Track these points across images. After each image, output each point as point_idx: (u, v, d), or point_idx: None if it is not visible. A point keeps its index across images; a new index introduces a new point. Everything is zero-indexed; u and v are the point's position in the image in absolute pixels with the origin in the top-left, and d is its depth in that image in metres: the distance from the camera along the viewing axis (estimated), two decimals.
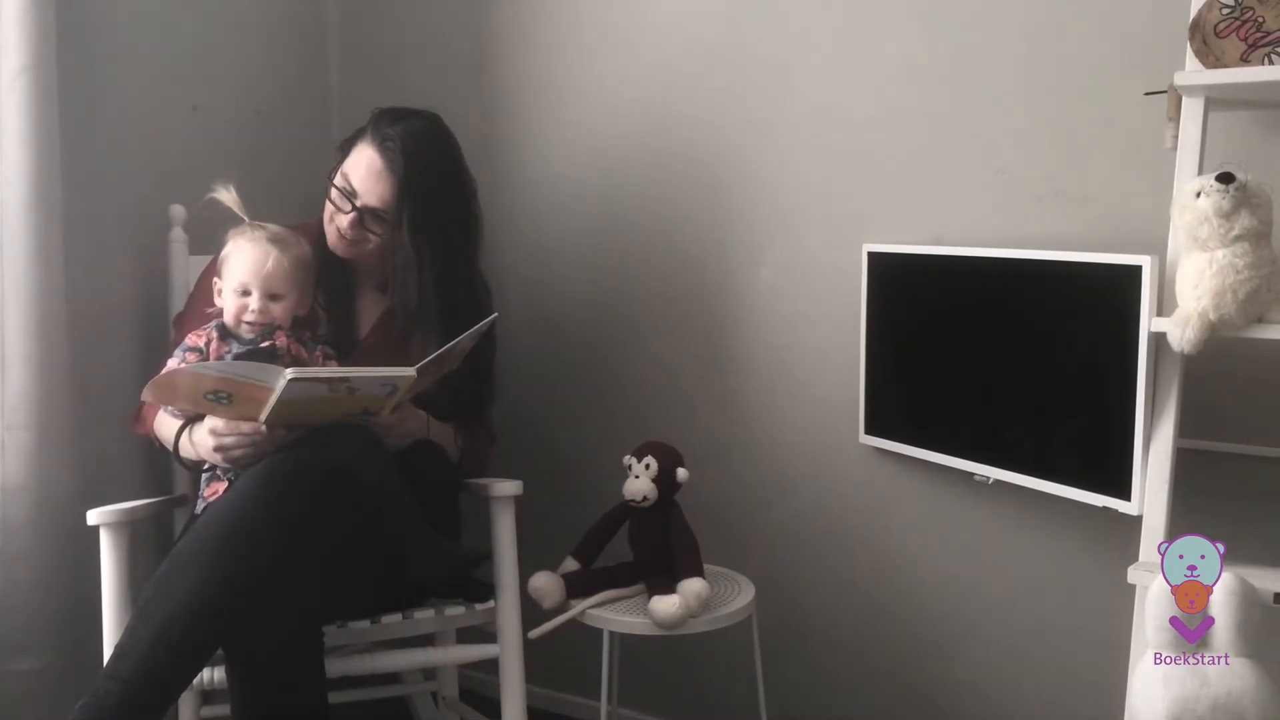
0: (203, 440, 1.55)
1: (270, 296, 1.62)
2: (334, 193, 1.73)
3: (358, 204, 1.71)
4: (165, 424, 1.65)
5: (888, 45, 1.79)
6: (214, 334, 1.62)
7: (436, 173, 1.72)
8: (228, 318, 1.63)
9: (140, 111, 1.92)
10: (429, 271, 1.70)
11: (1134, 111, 1.55)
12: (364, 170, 1.71)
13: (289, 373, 1.41)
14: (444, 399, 1.73)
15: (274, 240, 1.64)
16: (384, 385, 1.52)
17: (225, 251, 1.65)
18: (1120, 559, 1.45)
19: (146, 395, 1.51)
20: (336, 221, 1.74)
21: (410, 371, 1.50)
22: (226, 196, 1.67)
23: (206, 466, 1.61)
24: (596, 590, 1.72)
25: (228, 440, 1.53)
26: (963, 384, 1.69)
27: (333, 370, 1.57)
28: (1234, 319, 1.32)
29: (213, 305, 1.66)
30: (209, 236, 1.74)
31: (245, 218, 1.66)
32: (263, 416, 1.48)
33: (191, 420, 1.59)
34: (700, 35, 1.96)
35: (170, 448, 1.64)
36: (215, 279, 1.66)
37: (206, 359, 1.60)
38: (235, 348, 1.61)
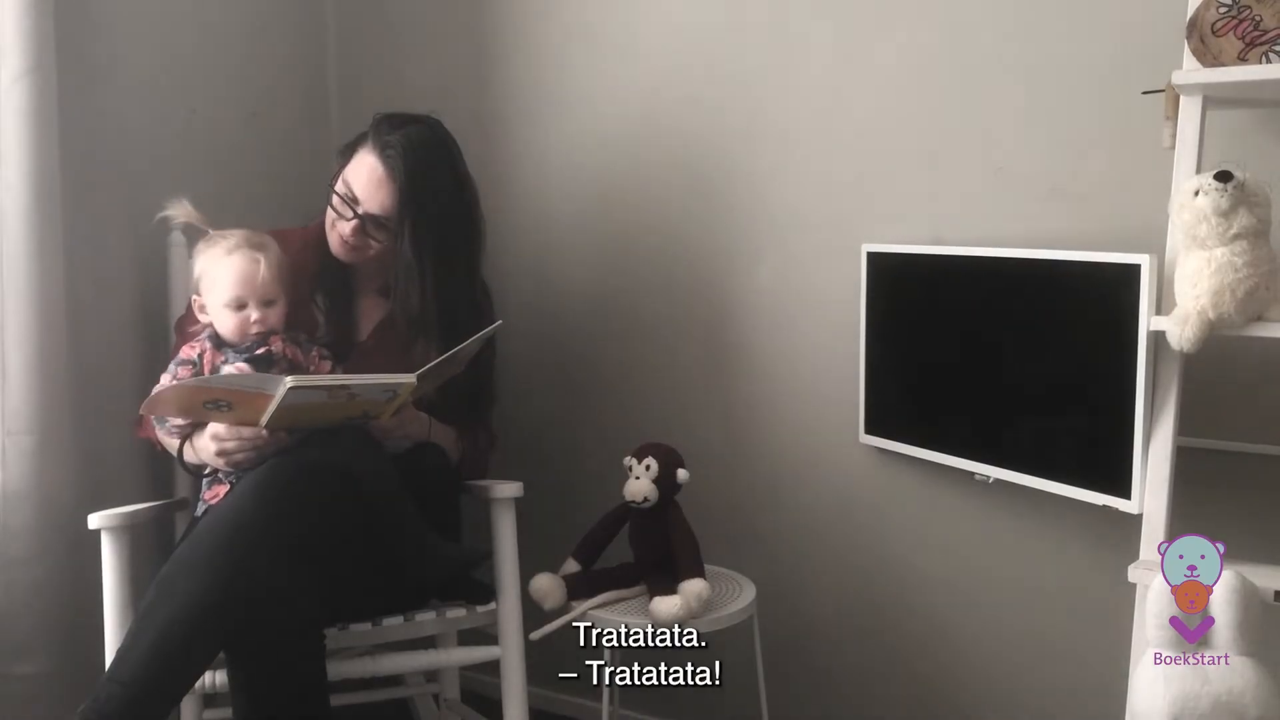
0: (205, 445, 1.56)
1: (265, 304, 1.61)
2: (335, 199, 1.73)
3: (360, 211, 1.71)
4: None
5: (887, 45, 1.79)
6: (208, 344, 1.61)
7: (437, 180, 1.72)
8: (228, 334, 1.61)
9: (139, 115, 1.92)
10: (430, 278, 1.70)
11: (1132, 110, 1.54)
12: (365, 178, 1.71)
13: (288, 381, 1.42)
14: (444, 401, 1.73)
15: (255, 247, 1.62)
16: (385, 391, 1.52)
17: (200, 268, 1.62)
18: (1120, 558, 1.44)
19: (145, 410, 1.51)
20: (338, 228, 1.74)
21: (410, 378, 1.51)
22: (182, 211, 1.65)
23: (208, 470, 1.62)
24: (597, 591, 1.72)
25: (230, 445, 1.53)
26: (962, 383, 1.69)
27: (333, 378, 1.57)
28: (1233, 317, 1.32)
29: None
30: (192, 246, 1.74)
31: (208, 229, 1.64)
32: (263, 421, 1.48)
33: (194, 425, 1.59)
34: (700, 36, 1.96)
35: (174, 453, 1.64)
36: (195, 297, 1.64)
37: (201, 372, 1.59)
38: (231, 355, 1.60)
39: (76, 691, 1.60)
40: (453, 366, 1.61)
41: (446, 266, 1.72)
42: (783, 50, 1.89)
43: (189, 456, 1.61)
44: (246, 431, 1.52)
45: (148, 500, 1.73)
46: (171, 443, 1.63)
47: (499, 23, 2.18)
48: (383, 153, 1.70)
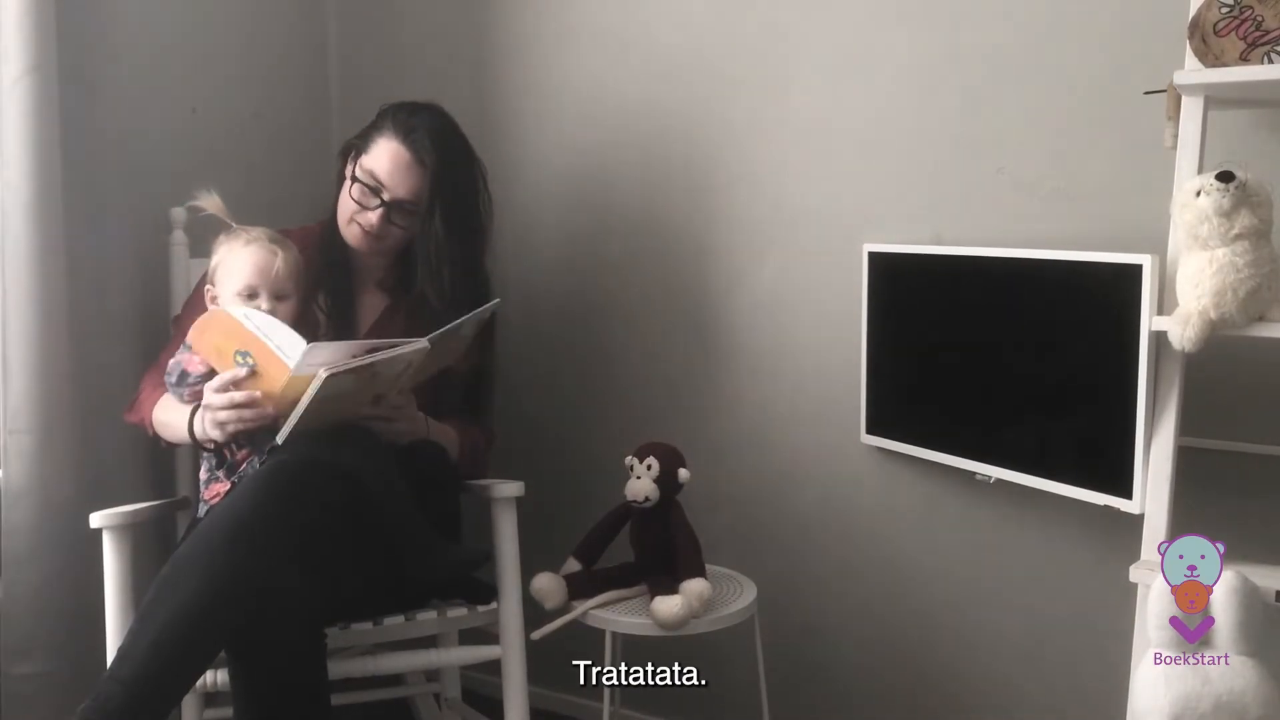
0: (206, 411, 1.55)
1: (277, 297, 1.62)
2: (357, 190, 1.74)
3: (386, 198, 1.72)
4: (165, 410, 1.65)
5: (888, 45, 1.79)
6: None
7: (460, 159, 1.76)
8: None
9: (140, 114, 1.92)
10: (460, 256, 1.74)
11: (1134, 111, 1.55)
12: (391, 164, 1.72)
13: (323, 371, 1.41)
14: (444, 399, 1.74)
15: (274, 241, 1.65)
16: (403, 363, 1.53)
17: (218, 259, 1.65)
18: (1122, 558, 1.45)
19: (190, 334, 1.56)
20: (360, 220, 1.75)
21: (423, 342, 1.52)
22: (210, 203, 1.67)
23: (206, 471, 1.62)
24: (598, 591, 1.72)
25: (222, 415, 1.53)
26: (964, 383, 1.69)
27: (362, 359, 1.53)
28: (1234, 317, 1.32)
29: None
30: (209, 239, 1.74)
31: (232, 223, 1.66)
32: (284, 395, 1.47)
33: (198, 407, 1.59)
34: (700, 34, 1.97)
35: (167, 435, 1.65)
36: (208, 287, 1.66)
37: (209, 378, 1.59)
38: None
39: (77, 691, 1.60)
40: (455, 342, 1.62)
41: (473, 243, 1.77)
42: (784, 49, 1.89)
43: (195, 428, 1.59)
44: (248, 413, 1.51)
45: (149, 499, 1.73)
46: (179, 419, 1.60)
47: (499, 22, 2.18)
48: (407, 137, 1.72)
